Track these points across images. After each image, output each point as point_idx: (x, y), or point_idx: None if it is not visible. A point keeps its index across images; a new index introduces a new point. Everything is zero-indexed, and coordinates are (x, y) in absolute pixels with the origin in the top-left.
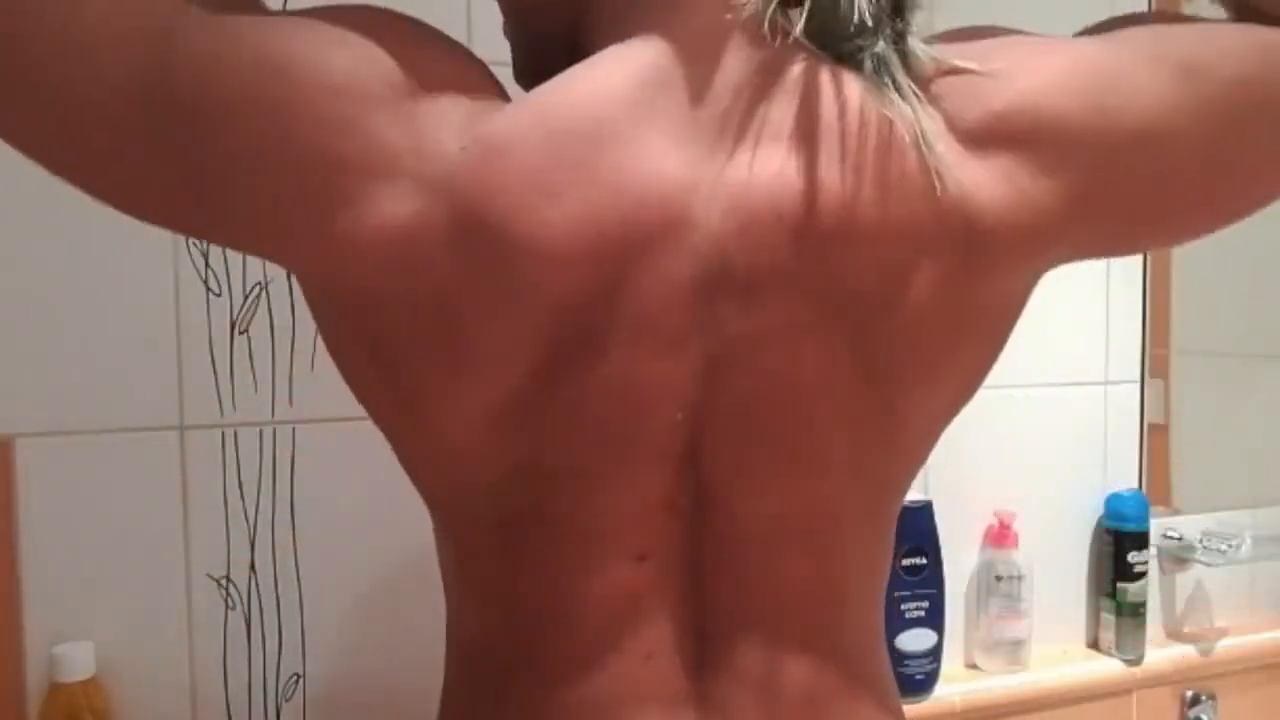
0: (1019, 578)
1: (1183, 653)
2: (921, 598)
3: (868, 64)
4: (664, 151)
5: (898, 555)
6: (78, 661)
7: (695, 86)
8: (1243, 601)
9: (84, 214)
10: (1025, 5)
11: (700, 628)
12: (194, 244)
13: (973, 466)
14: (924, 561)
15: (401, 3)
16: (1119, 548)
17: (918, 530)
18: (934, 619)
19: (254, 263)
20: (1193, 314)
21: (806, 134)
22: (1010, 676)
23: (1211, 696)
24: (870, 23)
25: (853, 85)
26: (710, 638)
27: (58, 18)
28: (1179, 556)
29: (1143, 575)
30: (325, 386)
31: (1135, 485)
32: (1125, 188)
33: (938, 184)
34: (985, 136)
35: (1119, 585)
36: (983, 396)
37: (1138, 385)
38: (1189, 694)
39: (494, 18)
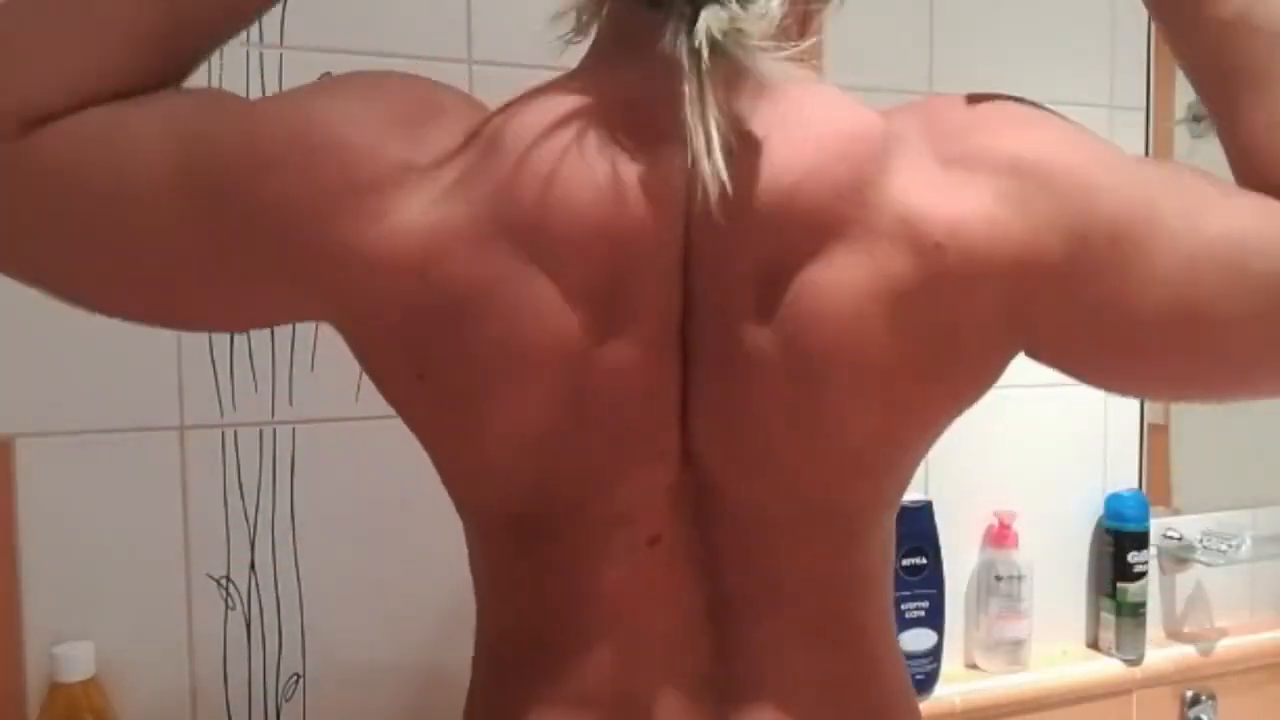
0: (1019, 578)
1: (1183, 653)
2: (921, 598)
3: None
4: (651, 154)
5: (898, 555)
6: (78, 661)
7: (664, 98)
8: (1243, 601)
9: None
10: (1025, 5)
11: (714, 611)
12: None
13: (973, 466)
14: (924, 561)
15: (402, 3)
16: (1119, 548)
17: (918, 530)
18: (934, 619)
19: None
20: None
21: (764, 139)
22: (1010, 676)
23: (1211, 696)
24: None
25: (814, 89)
26: (724, 620)
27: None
28: (1179, 556)
29: (1143, 575)
30: (325, 386)
31: (1135, 485)
32: (1089, 273)
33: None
34: (963, 161)
35: (1119, 585)
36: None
37: None
38: (1189, 694)
39: (495, 18)
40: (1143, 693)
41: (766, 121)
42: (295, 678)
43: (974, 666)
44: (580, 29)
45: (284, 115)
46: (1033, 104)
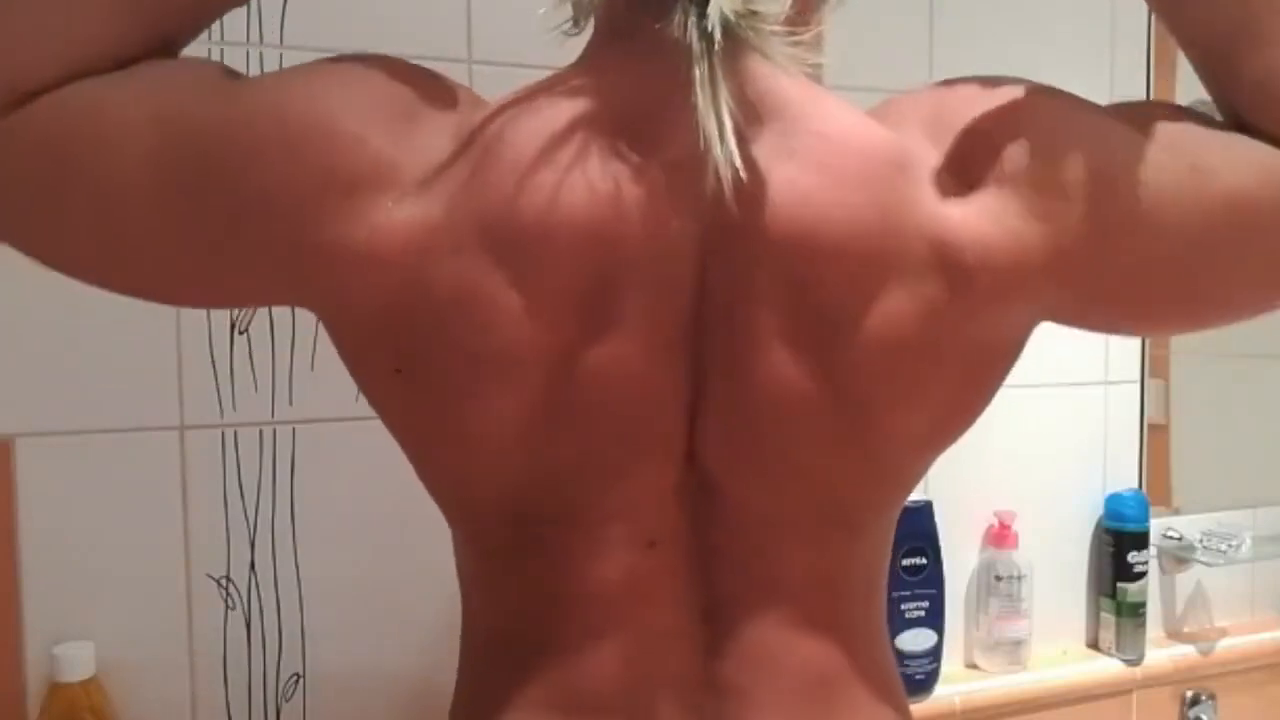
0: (1019, 578)
1: (1183, 653)
2: (921, 598)
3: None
4: (653, 158)
5: (898, 555)
6: (78, 661)
7: (668, 96)
8: (1243, 601)
9: None
10: (1025, 5)
11: (710, 611)
12: None
13: (973, 466)
14: (924, 561)
15: (402, 3)
16: (1119, 548)
17: (918, 530)
18: (934, 619)
19: None
20: None
21: (778, 146)
22: (1010, 676)
23: (1211, 696)
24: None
25: (823, 99)
26: (720, 621)
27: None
28: (1179, 556)
29: (1143, 575)
30: (325, 386)
31: (1135, 485)
32: (1108, 260)
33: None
34: (980, 173)
35: (1119, 585)
36: None
37: (1138, 385)
38: (1189, 694)
39: (495, 18)
40: (1143, 693)
41: (783, 138)
42: (295, 678)
43: (974, 666)
44: (579, 19)
45: (270, 102)
46: (1031, 88)
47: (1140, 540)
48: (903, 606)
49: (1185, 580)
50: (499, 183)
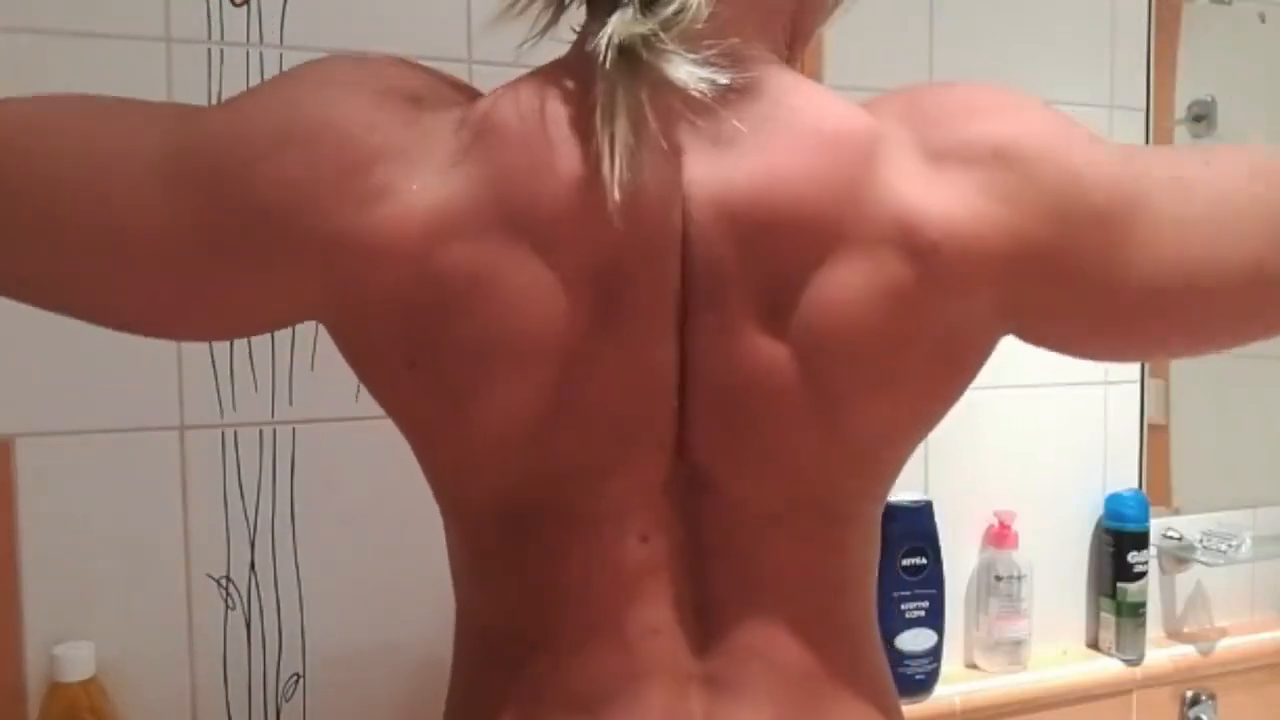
0: (1019, 578)
1: (1183, 653)
2: (921, 598)
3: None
4: (639, 150)
5: (898, 555)
6: (78, 661)
7: (652, 94)
8: (1243, 601)
9: None
10: (1025, 5)
11: (702, 606)
12: None
13: (973, 466)
14: (924, 561)
15: (402, 3)
16: (1119, 548)
17: (918, 530)
18: (934, 619)
19: None
20: None
21: (754, 128)
22: (1010, 676)
23: (1211, 696)
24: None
25: (798, 82)
26: (712, 616)
27: (73, 156)
28: (1179, 556)
29: (1143, 575)
30: (325, 386)
31: (1135, 485)
32: (1071, 250)
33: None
34: (949, 155)
35: (1119, 585)
36: (983, 396)
37: (1138, 385)
38: (1189, 694)
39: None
40: (1143, 693)
41: (753, 121)
42: (295, 678)
43: (974, 666)
44: (542, 27)
45: (272, 106)
46: (1012, 90)
47: (1140, 540)
48: (903, 606)
49: (1185, 580)
50: (505, 171)
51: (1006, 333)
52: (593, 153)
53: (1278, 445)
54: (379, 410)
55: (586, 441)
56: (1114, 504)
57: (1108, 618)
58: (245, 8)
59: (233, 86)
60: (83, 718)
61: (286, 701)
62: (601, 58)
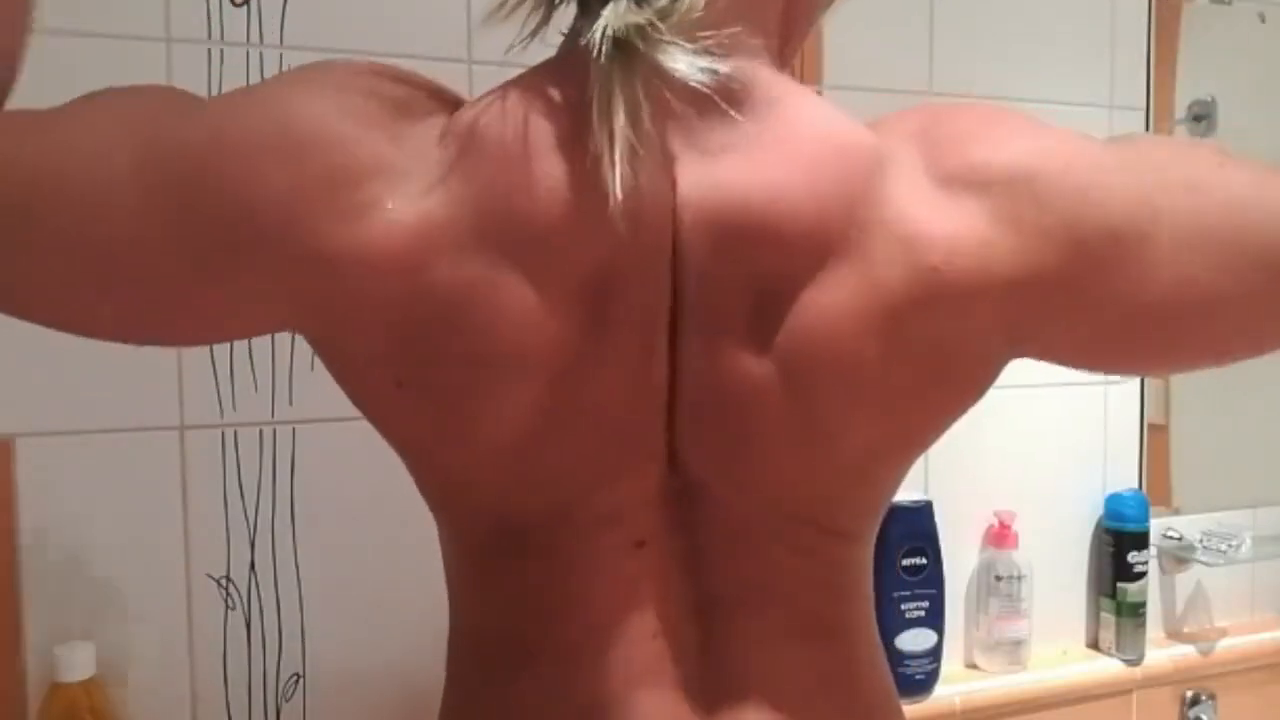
0: (1019, 578)
1: (1183, 653)
2: (921, 598)
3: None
4: (638, 147)
5: (898, 555)
6: (78, 661)
7: (640, 100)
8: (1243, 601)
9: None
10: (1025, 6)
11: (699, 612)
12: None
13: (973, 466)
14: (924, 561)
15: (402, 3)
16: (1119, 548)
17: (918, 530)
18: (934, 619)
19: None
20: None
21: (750, 139)
22: (1010, 676)
23: (1211, 696)
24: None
25: (798, 93)
26: (708, 621)
27: (52, 166)
28: (1179, 556)
29: (1143, 575)
30: (325, 386)
31: (1135, 485)
32: (1090, 280)
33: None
34: (958, 179)
35: (1119, 585)
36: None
37: (1138, 385)
38: (1189, 694)
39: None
40: (1143, 693)
41: (753, 133)
42: (295, 678)
43: (974, 666)
44: (532, 28)
45: (253, 114)
46: (1024, 114)
47: (1140, 540)
48: (903, 606)
49: (1185, 580)
50: (492, 181)
51: (1014, 355)
52: (588, 155)
53: (1278, 445)
54: None
55: (580, 452)
56: (1114, 504)
57: (1108, 618)
58: (245, 8)
59: (232, 86)
60: (83, 718)
61: (286, 701)
62: (596, 51)
